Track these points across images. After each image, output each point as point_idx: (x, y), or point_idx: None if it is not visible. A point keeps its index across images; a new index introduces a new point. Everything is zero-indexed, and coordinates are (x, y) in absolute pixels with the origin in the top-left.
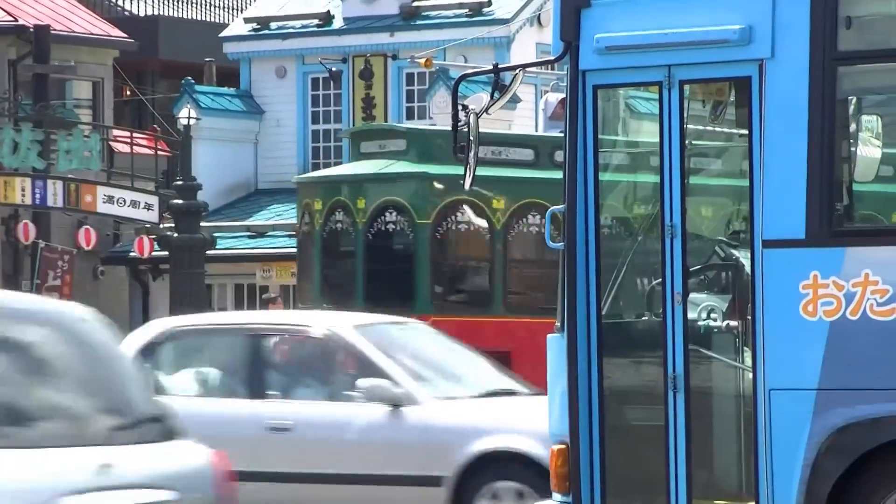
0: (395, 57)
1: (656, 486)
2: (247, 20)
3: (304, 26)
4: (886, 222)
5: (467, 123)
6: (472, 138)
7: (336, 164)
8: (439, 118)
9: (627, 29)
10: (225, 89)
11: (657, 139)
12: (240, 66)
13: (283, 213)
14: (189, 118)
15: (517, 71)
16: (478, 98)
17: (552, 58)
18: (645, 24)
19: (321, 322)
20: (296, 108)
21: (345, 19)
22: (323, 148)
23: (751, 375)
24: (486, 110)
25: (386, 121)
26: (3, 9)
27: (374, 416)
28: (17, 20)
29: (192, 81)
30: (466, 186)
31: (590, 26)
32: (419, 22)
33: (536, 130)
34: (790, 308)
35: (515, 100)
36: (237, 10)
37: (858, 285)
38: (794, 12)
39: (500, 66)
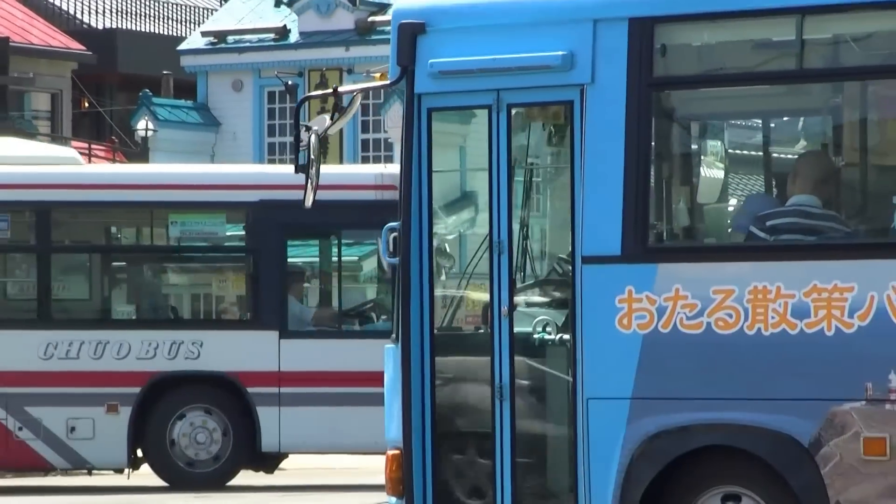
0: (350, 71)
1: (484, 491)
2: (204, 34)
3: (260, 40)
4: (697, 240)
5: (308, 143)
6: (313, 157)
7: None
8: (394, 132)
9: (460, 54)
10: (182, 102)
11: (486, 160)
12: (197, 79)
13: None
14: (146, 130)
15: (355, 93)
16: (321, 119)
17: (390, 81)
18: (477, 50)
19: None
20: (252, 121)
21: (301, 34)
22: (279, 160)
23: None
24: (327, 131)
25: (341, 134)
26: None
27: None
28: None
29: (150, 94)
30: (307, 204)
31: (425, 52)
32: (374, 37)
33: None
34: (607, 321)
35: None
36: (195, 23)
37: (669, 300)
38: (613, 40)
39: (338, 90)
